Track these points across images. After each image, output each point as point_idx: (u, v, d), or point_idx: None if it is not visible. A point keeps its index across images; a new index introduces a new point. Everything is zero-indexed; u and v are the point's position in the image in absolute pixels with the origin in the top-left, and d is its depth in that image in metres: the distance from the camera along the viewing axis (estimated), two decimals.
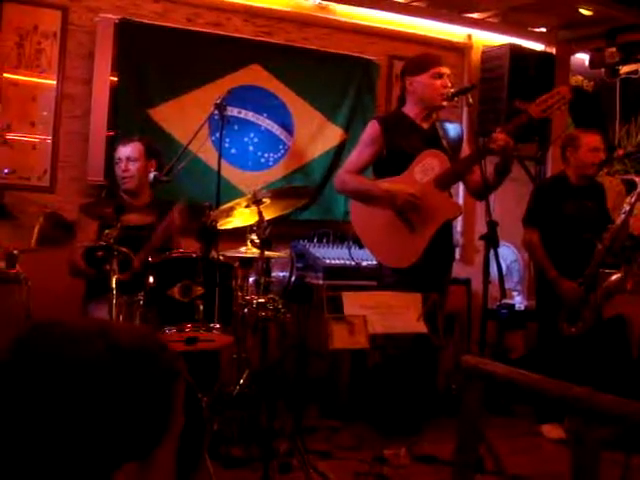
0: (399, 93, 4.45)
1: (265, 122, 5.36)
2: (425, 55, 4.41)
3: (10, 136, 4.75)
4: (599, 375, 4.33)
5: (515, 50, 5.87)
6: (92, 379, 0.89)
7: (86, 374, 0.89)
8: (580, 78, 6.65)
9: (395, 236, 4.10)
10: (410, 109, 4.26)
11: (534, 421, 4.71)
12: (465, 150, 4.31)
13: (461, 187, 5.85)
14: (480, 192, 4.10)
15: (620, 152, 5.62)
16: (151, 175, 4.21)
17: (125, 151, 4.28)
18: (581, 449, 1.76)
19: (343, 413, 4.73)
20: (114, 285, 3.34)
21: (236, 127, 5.21)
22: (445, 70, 4.19)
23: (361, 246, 4.46)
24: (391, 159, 4.18)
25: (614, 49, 6.01)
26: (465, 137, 4.39)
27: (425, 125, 4.25)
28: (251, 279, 3.93)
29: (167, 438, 0.97)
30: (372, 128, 4.26)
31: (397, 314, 3.52)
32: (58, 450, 0.88)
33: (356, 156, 4.28)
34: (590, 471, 1.66)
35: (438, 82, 4.14)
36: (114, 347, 0.93)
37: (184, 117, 4.99)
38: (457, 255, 5.60)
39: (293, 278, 4.58)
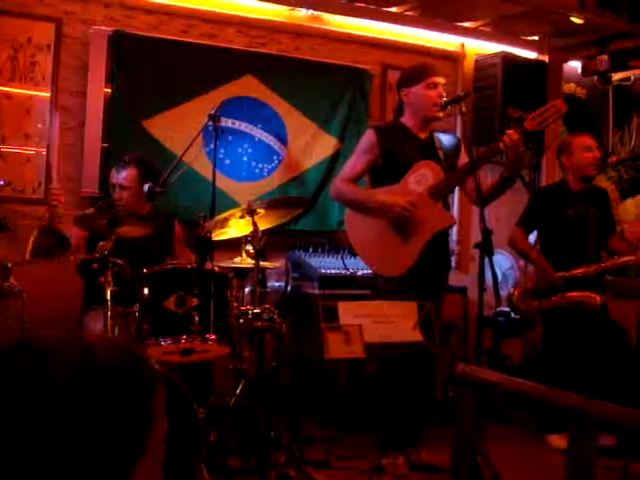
0: (395, 104, 4.45)
1: (259, 133, 5.36)
2: (419, 66, 4.42)
3: (4, 149, 4.75)
4: (598, 382, 4.34)
5: (508, 58, 5.89)
6: (64, 396, 0.88)
7: (58, 391, 0.88)
8: (573, 85, 6.67)
9: (388, 245, 4.11)
10: (407, 119, 4.27)
11: (539, 431, 4.69)
12: (463, 159, 4.31)
13: (456, 196, 5.87)
14: (480, 199, 4.13)
15: (613, 159, 5.65)
16: (145, 187, 4.21)
17: (118, 178, 4.28)
18: (576, 456, 1.76)
19: (340, 423, 4.72)
20: (109, 297, 3.35)
21: (230, 138, 5.22)
22: (440, 80, 4.19)
23: (356, 255, 4.46)
24: (387, 168, 4.19)
25: (606, 57, 6.04)
26: (462, 149, 4.39)
27: (422, 135, 4.26)
28: (247, 289, 3.93)
29: (147, 453, 0.95)
30: (368, 137, 4.27)
31: (393, 323, 3.52)
32: (31, 469, 0.86)
33: (352, 164, 4.29)
34: (585, 479, 1.66)
35: (433, 92, 4.15)
36: (88, 363, 0.91)
37: (178, 128, 4.99)
38: (453, 263, 5.61)
39: (289, 288, 4.58)
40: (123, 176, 4.27)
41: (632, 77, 6.60)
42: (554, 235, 4.80)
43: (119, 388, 0.92)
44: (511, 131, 3.89)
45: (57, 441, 0.87)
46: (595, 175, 4.89)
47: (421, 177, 4.13)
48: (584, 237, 4.72)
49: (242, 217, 3.65)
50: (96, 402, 0.89)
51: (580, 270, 4.59)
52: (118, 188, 4.28)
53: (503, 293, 5.35)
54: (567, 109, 3.92)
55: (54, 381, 0.89)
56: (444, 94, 4.15)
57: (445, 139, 4.34)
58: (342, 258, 4.94)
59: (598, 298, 4.58)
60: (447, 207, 4.39)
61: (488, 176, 4.55)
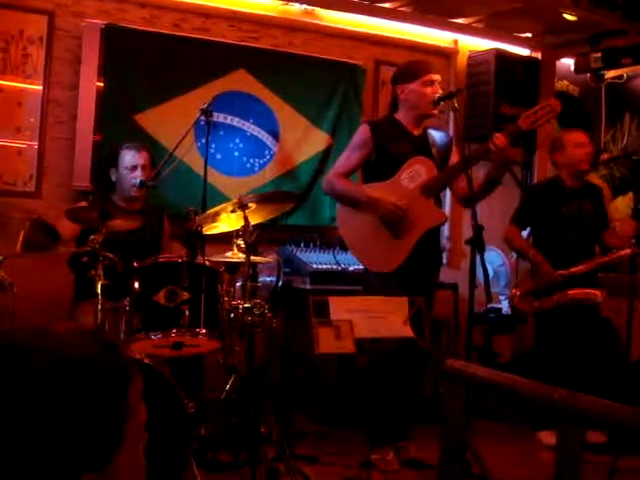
0: (390, 100, 4.44)
1: (251, 128, 5.35)
2: (416, 62, 4.42)
3: None
4: (589, 378, 4.35)
5: (501, 55, 5.90)
6: (35, 389, 0.87)
7: (28, 384, 0.87)
8: (566, 83, 6.68)
9: (379, 241, 4.11)
10: (402, 116, 4.27)
11: (530, 427, 4.70)
12: (454, 157, 4.31)
13: (448, 193, 5.87)
14: (467, 199, 4.11)
15: (605, 156, 5.66)
16: (137, 180, 4.22)
17: (140, 158, 4.31)
18: (564, 452, 1.76)
19: (330, 418, 4.73)
20: (99, 290, 3.34)
21: (222, 133, 5.21)
22: (436, 77, 4.20)
23: (347, 250, 4.47)
24: (380, 163, 4.19)
25: (598, 54, 6.05)
26: (454, 147, 4.39)
27: (416, 132, 4.27)
28: (237, 284, 3.92)
29: (126, 442, 0.93)
30: (362, 131, 4.27)
31: (384, 318, 3.52)
32: (3, 461, 0.85)
33: (345, 159, 4.30)
34: (573, 473, 1.66)
35: (429, 90, 4.15)
36: (59, 355, 0.90)
37: (170, 123, 4.98)
38: (444, 260, 5.61)
39: (280, 283, 4.58)
40: (144, 157, 4.32)
41: (625, 75, 6.60)
42: (548, 231, 4.80)
43: (91, 380, 0.91)
44: (499, 134, 3.90)
45: (29, 433, 0.86)
46: (588, 170, 4.90)
47: (414, 173, 4.13)
48: (578, 233, 4.73)
49: (233, 211, 3.64)
50: (68, 394, 0.88)
51: (580, 267, 4.60)
52: (140, 168, 4.28)
53: (494, 290, 5.37)
54: (561, 108, 3.93)
55: (24, 374, 0.88)
56: (439, 91, 4.16)
57: (437, 136, 4.34)
58: (333, 253, 4.94)
59: (599, 294, 4.61)
60: (439, 203, 4.40)
61: (480, 174, 4.53)
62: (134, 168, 4.28)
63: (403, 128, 4.25)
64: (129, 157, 4.30)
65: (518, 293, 4.81)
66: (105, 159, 4.55)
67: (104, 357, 0.95)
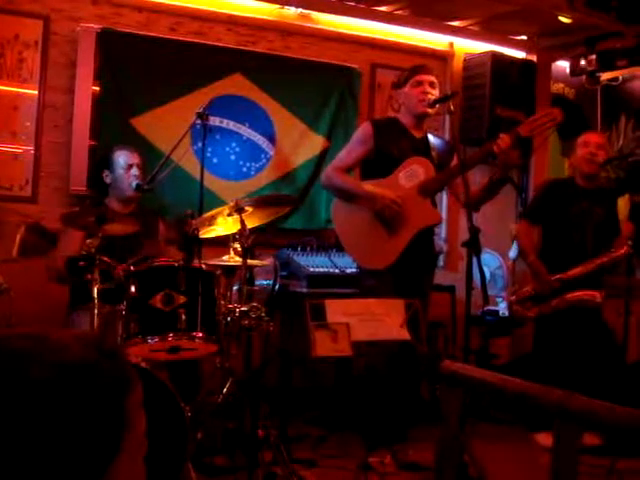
0: (395, 105, 4.49)
1: (247, 131, 5.35)
2: (410, 67, 4.47)
3: None
4: (587, 380, 4.34)
5: (497, 58, 5.91)
6: (35, 395, 0.85)
7: (29, 391, 0.86)
8: (561, 85, 6.68)
9: (373, 237, 4.13)
10: (403, 117, 4.34)
11: (526, 429, 4.69)
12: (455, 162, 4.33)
13: (445, 195, 5.87)
14: (474, 202, 4.13)
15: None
16: (133, 183, 4.22)
17: (134, 158, 4.35)
18: (560, 453, 1.76)
19: (328, 421, 4.72)
20: (96, 295, 3.33)
21: (218, 137, 5.21)
22: (425, 78, 4.24)
23: (343, 252, 4.47)
24: (379, 161, 4.23)
25: (594, 56, 6.06)
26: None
27: (417, 134, 4.31)
28: (234, 287, 3.92)
29: (124, 451, 0.92)
30: (365, 129, 4.33)
31: (380, 321, 3.52)
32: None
33: (345, 154, 4.34)
34: (569, 475, 1.66)
35: (417, 90, 4.23)
36: (53, 363, 0.89)
37: (166, 126, 4.98)
38: (440, 262, 5.61)
39: (277, 286, 4.57)
40: (136, 156, 4.37)
41: (620, 77, 6.61)
42: (555, 230, 4.80)
43: (89, 388, 0.89)
44: (504, 135, 3.92)
45: (26, 441, 0.85)
46: (592, 172, 4.84)
47: (412, 173, 4.17)
48: (584, 234, 4.72)
49: (230, 215, 3.64)
50: (66, 402, 0.87)
51: (578, 269, 4.59)
52: (136, 167, 4.32)
53: (491, 292, 5.37)
54: (563, 118, 3.94)
55: (26, 381, 0.87)
56: (427, 91, 4.20)
57: (437, 142, 4.39)
58: (330, 257, 4.94)
59: (598, 295, 4.60)
60: (434, 205, 4.41)
61: (477, 177, 4.54)
62: (130, 167, 4.30)
63: (404, 129, 4.30)
64: (123, 157, 4.32)
65: (515, 299, 4.81)
66: (98, 162, 4.55)
67: (104, 365, 0.93)
